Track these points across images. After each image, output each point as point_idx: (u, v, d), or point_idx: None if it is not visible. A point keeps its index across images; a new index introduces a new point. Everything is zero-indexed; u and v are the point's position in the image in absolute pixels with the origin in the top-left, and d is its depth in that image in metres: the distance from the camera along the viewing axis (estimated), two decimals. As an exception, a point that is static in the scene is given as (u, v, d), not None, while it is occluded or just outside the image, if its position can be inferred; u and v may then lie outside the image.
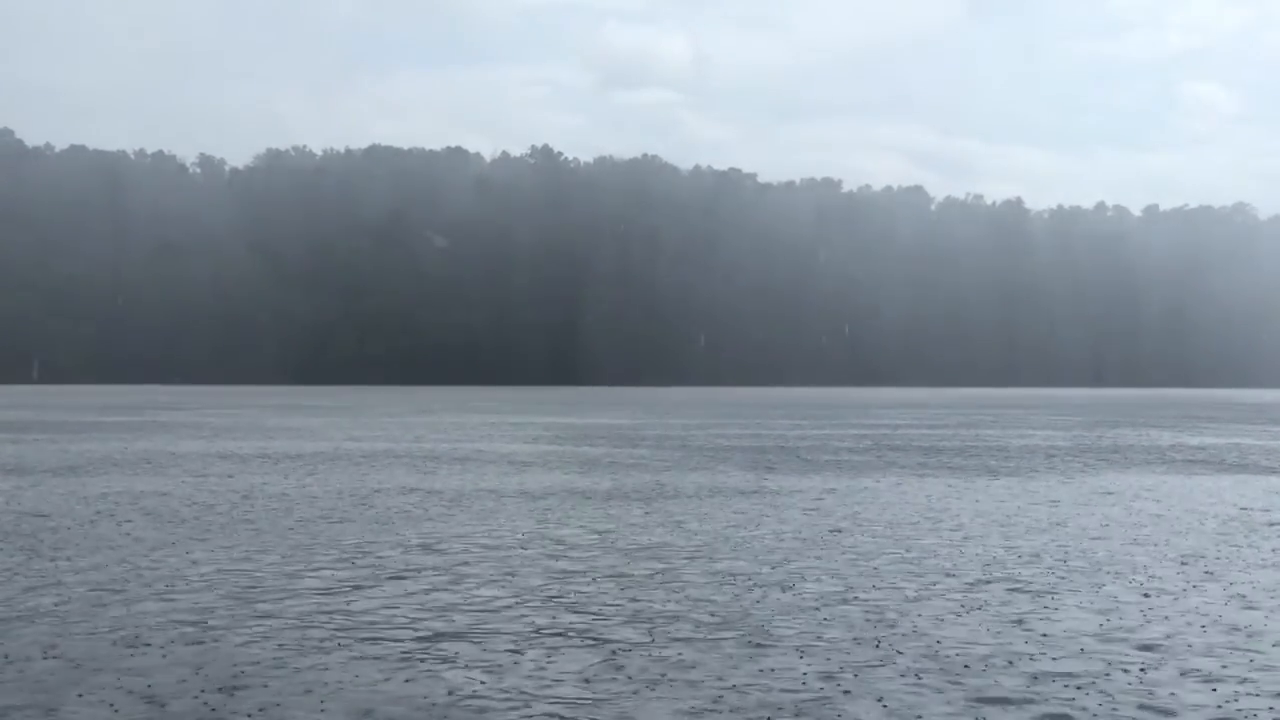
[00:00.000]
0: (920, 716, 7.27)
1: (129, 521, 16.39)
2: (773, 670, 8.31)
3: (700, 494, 20.38)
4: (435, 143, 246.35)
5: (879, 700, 7.60)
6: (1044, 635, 9.42)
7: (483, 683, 7.99)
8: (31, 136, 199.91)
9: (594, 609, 10.40)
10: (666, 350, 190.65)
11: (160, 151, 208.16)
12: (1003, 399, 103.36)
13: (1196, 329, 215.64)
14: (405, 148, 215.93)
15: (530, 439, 37.61)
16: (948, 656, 8.68)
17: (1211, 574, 12.43)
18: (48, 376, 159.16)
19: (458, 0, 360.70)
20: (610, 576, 12.07)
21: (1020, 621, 9.91)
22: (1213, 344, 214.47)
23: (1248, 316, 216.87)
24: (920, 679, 8.08)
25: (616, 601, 10.75)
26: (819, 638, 9.29)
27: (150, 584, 11.54)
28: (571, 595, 11.05)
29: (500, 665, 8.45)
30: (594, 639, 9.23)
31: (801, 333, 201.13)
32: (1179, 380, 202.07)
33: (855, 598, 10.94)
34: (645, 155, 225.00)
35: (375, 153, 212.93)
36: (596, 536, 15.12)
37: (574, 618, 10.01)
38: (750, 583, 11.71)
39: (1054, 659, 8.66)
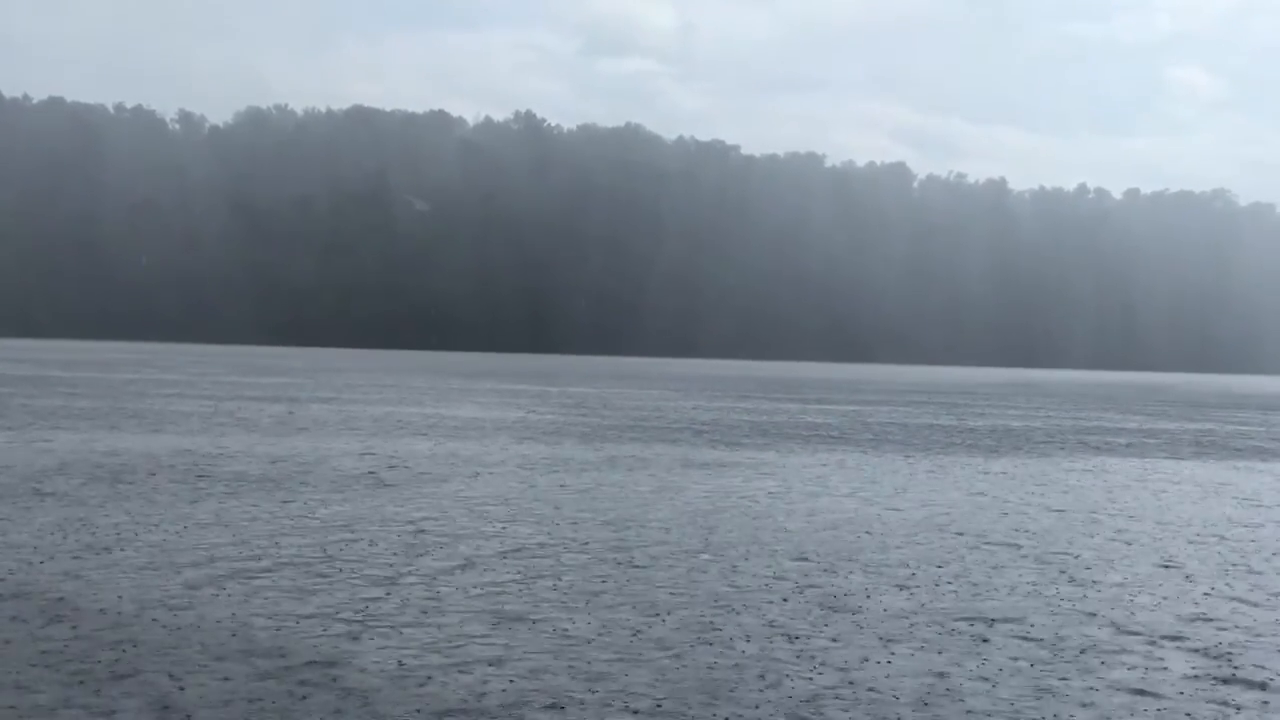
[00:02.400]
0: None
1: (88, 479, 16.42)
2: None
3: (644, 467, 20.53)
4: (418, 105, 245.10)
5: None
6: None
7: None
8: (8, 87, 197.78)
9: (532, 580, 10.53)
10: (647, 321, 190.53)
11: (140, 106, 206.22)
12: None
13: (1174, 314, 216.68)
14: (388, 109, 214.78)
15: (499, 406, 37.67)
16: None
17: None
18: (23, 330, 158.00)
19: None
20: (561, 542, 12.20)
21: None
22: (1191, 329, 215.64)
23: (1226, 303, 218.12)
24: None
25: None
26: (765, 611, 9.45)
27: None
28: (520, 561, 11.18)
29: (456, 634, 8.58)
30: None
31: (784, 307, 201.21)
32: (1156, 365, 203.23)
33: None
34: (629, 124, 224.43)
35: (357, 114, 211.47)
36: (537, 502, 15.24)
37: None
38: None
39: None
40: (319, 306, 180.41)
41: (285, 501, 14.98)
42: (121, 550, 11.32)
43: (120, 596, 9.39)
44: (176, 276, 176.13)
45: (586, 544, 12.49)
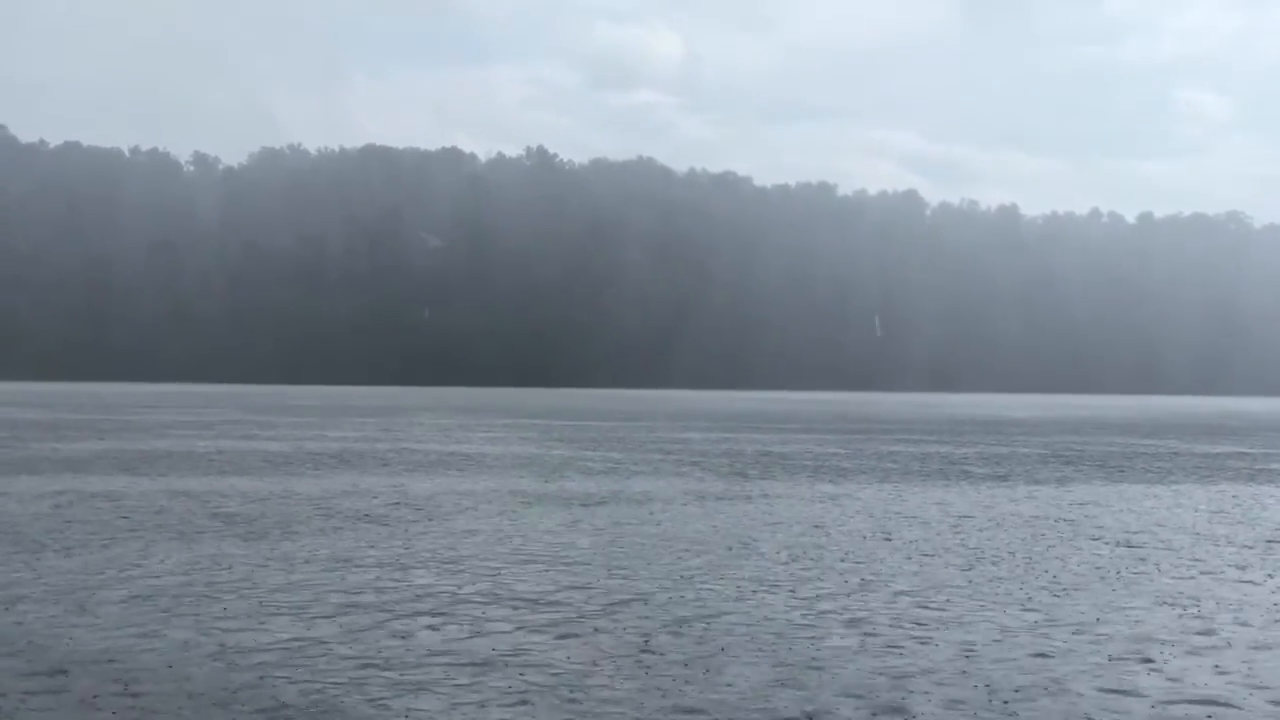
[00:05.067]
0: None
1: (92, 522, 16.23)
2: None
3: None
4: (430, 142, 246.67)
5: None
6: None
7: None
8: (26, 133, 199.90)
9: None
10: (662, 355, 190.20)
11: (155, 149, 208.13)
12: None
13: (1190, 337, 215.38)
14: (400, 147, 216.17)
15: (504, 441, 37.44)
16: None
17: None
18: (41, 373, 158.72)
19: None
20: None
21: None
22: (1209, 353, 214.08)
23: (1244, 325, 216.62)
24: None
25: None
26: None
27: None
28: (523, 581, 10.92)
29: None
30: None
31: (799, 337, 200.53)
32: (1171, 388, 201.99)
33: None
34: (640, 158, 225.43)
35: (370, 152, 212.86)
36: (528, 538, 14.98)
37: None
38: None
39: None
40: (333, 345, 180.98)
41: (289, 541, 14.75)
42: (106, 591, 11.10)
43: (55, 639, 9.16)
44: (192, 317, 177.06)
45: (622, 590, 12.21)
